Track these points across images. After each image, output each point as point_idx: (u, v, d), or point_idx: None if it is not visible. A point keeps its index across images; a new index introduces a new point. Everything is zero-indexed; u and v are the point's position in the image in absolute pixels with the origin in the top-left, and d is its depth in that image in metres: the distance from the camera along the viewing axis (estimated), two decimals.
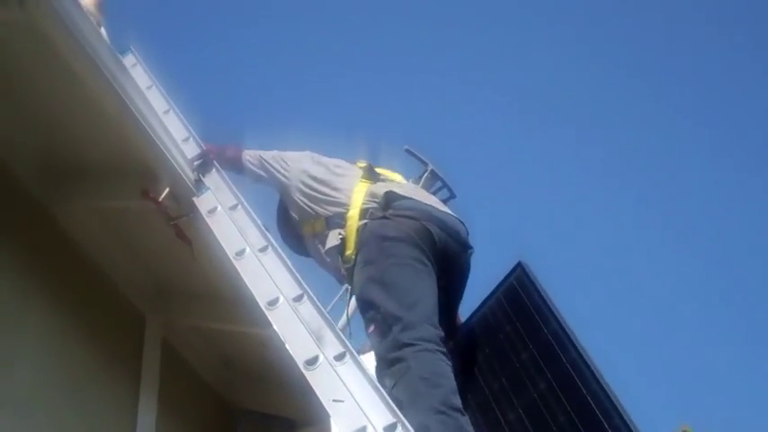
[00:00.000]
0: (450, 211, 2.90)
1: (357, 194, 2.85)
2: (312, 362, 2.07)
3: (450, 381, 2.34)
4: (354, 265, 2.70)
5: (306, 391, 2.20)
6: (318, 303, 2.24)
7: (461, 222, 2.87)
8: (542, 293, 2.69)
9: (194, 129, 3.04)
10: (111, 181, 2.87)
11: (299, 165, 3.04)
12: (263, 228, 2.56)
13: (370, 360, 2.46)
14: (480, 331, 2.90)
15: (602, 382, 2.30)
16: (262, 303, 2.30)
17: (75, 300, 2.91)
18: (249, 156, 3.14)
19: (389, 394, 2.02)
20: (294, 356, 2.12)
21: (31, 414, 2.59)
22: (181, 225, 2.87)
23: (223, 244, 2.55)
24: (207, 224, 2.67)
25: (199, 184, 2.81)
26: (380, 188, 2.85)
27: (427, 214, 2.74)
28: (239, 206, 2.66)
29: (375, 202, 2.79)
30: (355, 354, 2.07)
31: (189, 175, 2.81)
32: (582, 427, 2.29)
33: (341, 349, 2.08)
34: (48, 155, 2.85)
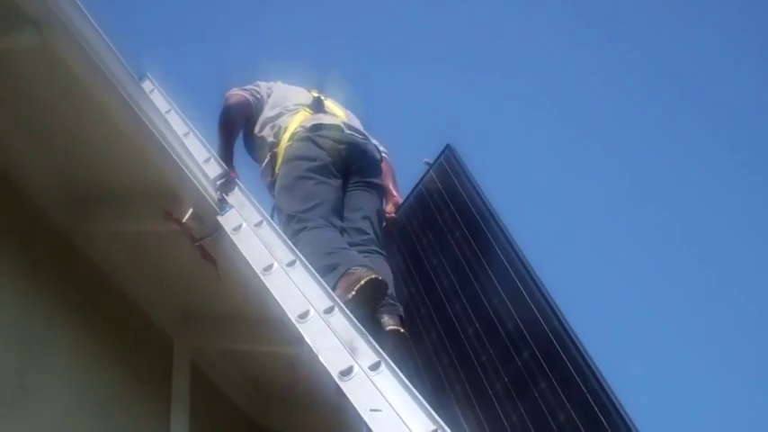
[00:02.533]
0: (364, 137, 3.50)
1: (294, 123, 3.41)
2: (347, 372, 2.05)
3: (335, 236, 2.97)
4: (276, 180, 3.29)
5: (337, 411, 2.18)
6: (350, 314, 2.22)
7: (375, 146, 3.55)
8: (467, 172, 3.17)
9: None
10: (134, 205, 2.86)
11: (264, 96, 3.65)
12: (289, 242, 2.55)
13: None
14: (417, 207, 3.44)
15: (519, 253, 2.72)
16: (292, 317, 2.28)
17: (102, 327, 2.90)
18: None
19: None
20: (328, 368, 2.09)
21: None
22: (205, 246, 2.86)
23: (250, 261, 2.54)
24: (232, 242, 2.67)
25: (222, 203, 2.81)
26: (312, 119, 3.41)
27: (343, 138, 3.34)
28: (264, 222, 2.66)
29: (303, 127, 3.35)
30: (390, 362, 2.04)
31: (212, 194, 2.81)
32: (496, 280, 2.76)
33: (375, 359, 2.06)
34: (69, 181, 2.85)
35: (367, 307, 2.63)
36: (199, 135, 3.16)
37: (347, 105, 3.80)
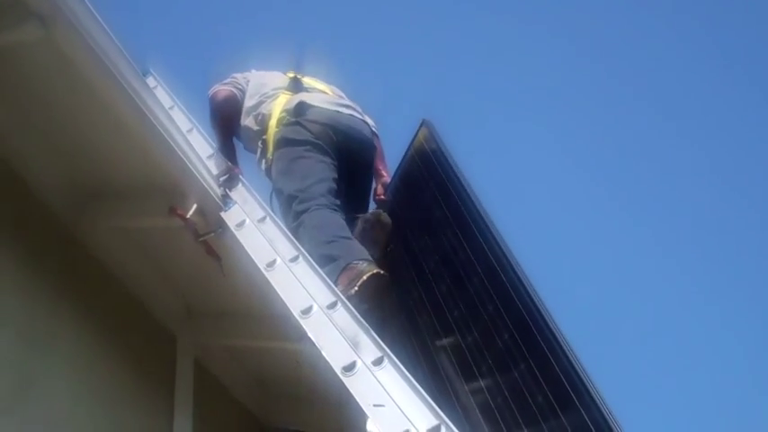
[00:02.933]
0: (356, 113, 3.48)
1: (276, 107, 3.39)
2: (350, 368, 2.04)
3: (338, 222, 2.93)
4: (272, 166, 3.26)
5: (341, 406, 2.17)
6: (353, 309, 2.22)
7: (366, 123, 3.49)
8: (443, 148, 3.16)
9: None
10: (138, 200, 2.86)
11: (244, 86, 3.63)
12: (292, 238, 2.55)
13: None
14: (402, 186, 3.44)
15: (492, 228, 2.73)
16: (295, 312, 2.27)
17: (105, 322, 2.90)
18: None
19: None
20: (331, 363, 2.09)
21: None
22: (209, 241, 2.86)
23: (253, 256, 2.54)
24: (236, 238, 2.66)
25: (226, 198, 2.81)
26: (294, 99, 3.37)
27: (330, 118, 3.31)
28: (267, 218, 2.65)
29: (287, 111, 3.33)
30: (394, 358, 2.03)
31: (216, 190, 2.81)
32: (467, 246, 2.82)
33: (378, 354, 2.05)
34: (73, 176, 2.85)
35: (371, 302, 2.58)
36: (202, 131, 3.17)
37: (329, 81, 3.74)
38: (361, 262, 2.69)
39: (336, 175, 3.18)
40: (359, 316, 2.19)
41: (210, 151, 3.01)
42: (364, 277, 2.62)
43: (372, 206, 3.46)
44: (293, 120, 3.27)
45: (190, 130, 3.09)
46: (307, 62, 3.79)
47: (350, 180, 3.30)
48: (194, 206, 2.75)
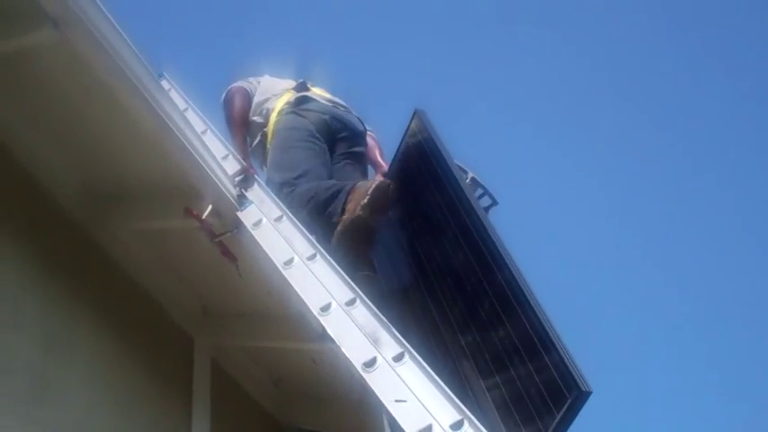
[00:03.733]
0: (352, 112, 3.78)
1: (280, 102, 3.68)
2: (370, 364, 2.05)
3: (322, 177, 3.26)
4: (267, 157, 3.51)
5: (359, 405, 2.17)
6: (372, 306, 2.21)
7: (359, 120, 3.81)
8: (433, 134, 3.31)
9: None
10: (154, 201, 2.86)
11: (255, 86, 3.88)
12: (309, 236, 2.55)
13: None
14: (399, 171, 3.56)
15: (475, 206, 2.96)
16: (314, 310, 2.27)
17: (122, 324, 2.90)
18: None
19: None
20: (351, 359, 2.09)
21: None
22: (225, 242, 2.86)
23: (271, 255, 2.54)
24: (253, 238, 2.67)
25: (241, 198, 2.82)
26: (296, 95, 3.67)
27: (326, 109, 3.61)
28: (284, 217, 2.66)
29: (288, 104, 3.62)
30: (414, 353, 2.03)
31: (231, 190, 2.82)
32: (450, 215, 3.03)
33: (399, 350, 2.05)
34: (89, 179, 2.86)
35: (381, 210, 2.96)
36: (216, 132, 3.18)
37: (334, 92, 3.96)
38: (362, 183, 3.08)
39: (328, 158, 3.50)
40: (378, 312, 2.19)
41: (225, 152, 3.02)
42: (372, 186, 2.99)
43: None
44: (291, 110, 3.57)
45: (204, 132, 3.09)
46: (315, 72, 4.11)
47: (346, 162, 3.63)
48: (210, 207, 2.75)
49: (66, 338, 2.63)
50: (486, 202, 3.86)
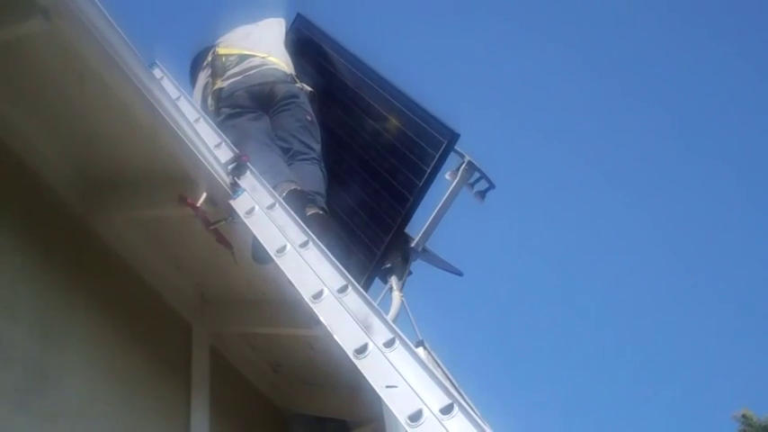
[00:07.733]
0: (259, 66, 4.00)
1: (210, 107, 3.95)
2: (362, 350, 2.06)
3: (270, 156, 3.48)
4: None
5: (357, 390, 2.19)
6: (363, 292, 2.23)
7: (284, 77, 4.01)
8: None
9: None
10: (148, 190, 2.88)
11: None
12: (301, 224, 2.56)
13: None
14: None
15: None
16: (306, 297, 2.29)
17: (120, 312, 2.92)
18: None
19: None
20: (343, 346, 2.10)
21: (83, 426, 2.60)
22: (220, 230, 2.88)
23: (263, 243, 2.55)
24: (246, 226, 2.68)
25: (234, 186, 2.82)
26: (212, 90, 3.97)
27: (239, 86, 3.88)
28: (276, 205, 2.66)
29: (213, 108, 3.91)
30: (405, 339, 2.05)
31: (224, 178, 2.83)
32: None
33: (390, 336, 2.06)
34: (84, 168, 2.87)
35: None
36: (209, 121, 3.18)
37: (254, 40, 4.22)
38: (283, 183, 3.18)
39: (265, 122, 3.79)
40: (369, 299, 2.20)
41: (218, 140, 3.02)
42: (284, 194, 3.04)
43: None
44: (220, 119, 3.75)
45: (197, 120, 3.10)
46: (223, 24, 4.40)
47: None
48: (204, 195, 2.77)
49: (64, 328, 2.64)
50: (483, 185, 3.89)
